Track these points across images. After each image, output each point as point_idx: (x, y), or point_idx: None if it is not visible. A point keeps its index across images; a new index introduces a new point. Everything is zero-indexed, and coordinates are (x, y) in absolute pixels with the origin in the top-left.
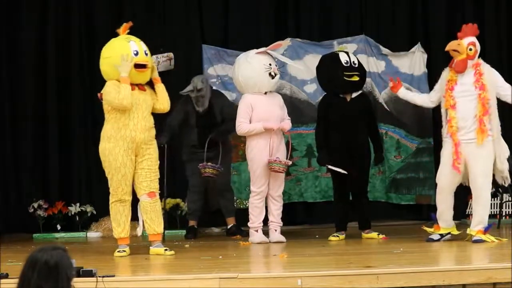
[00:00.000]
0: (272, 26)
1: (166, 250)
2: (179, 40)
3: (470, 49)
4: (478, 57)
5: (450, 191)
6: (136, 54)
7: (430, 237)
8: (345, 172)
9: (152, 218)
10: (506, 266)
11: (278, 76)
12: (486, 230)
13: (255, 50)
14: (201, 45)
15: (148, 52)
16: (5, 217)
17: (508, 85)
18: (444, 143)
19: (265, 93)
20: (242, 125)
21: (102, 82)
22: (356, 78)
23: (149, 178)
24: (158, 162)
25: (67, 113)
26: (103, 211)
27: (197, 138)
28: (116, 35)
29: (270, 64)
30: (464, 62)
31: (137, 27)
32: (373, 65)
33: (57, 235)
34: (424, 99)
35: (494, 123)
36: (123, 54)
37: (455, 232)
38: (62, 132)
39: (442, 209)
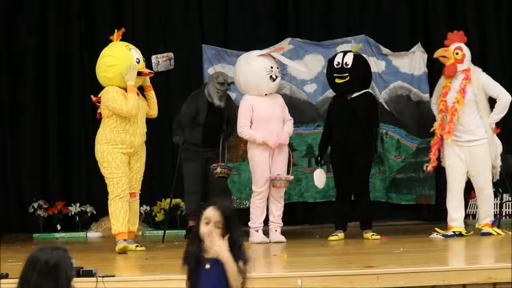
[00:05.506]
0: (272, 26)
1: (137, 246)
2: (179, 40)
3: (457, 53)
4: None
5: (458, 189)
6: (138, 62)
7: (444, 233)
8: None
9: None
10: (506, 266)
11: (279, 79)
12: (493, 224)
13: (256, 52)
14: (201, 45)
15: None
16: (5, 217)
17: (497, 85)
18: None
19: (265, 94)
20: (243, 129)
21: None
22: (344, 80)
23: (134, 179)
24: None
25: (67, 113)
26: (103, 211)
27: (201, 136)
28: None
29: (271, 67)
30: (453, 66)
31: (137, 27)
32: (373, 65)
33: (57, 235)
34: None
35: (486, 123)
36: (128, 63)
37: (464, 233)
38: (62, 132)
39: (452, 208)
